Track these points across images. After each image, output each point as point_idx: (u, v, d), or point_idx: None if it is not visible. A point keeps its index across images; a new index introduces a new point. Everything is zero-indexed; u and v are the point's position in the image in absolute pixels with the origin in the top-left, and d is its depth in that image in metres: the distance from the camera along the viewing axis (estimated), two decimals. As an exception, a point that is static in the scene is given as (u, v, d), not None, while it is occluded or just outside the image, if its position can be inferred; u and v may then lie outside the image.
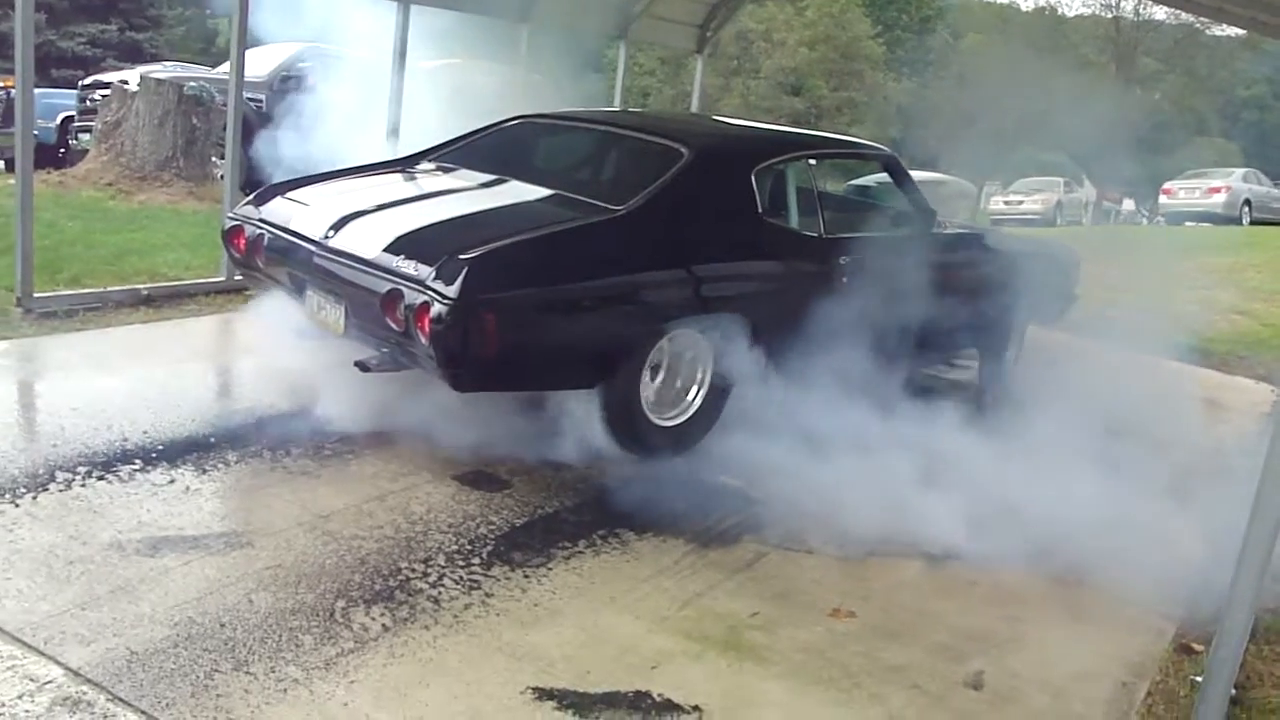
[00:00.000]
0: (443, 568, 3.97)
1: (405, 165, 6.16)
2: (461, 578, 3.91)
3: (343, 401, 5.15)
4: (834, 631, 3.86)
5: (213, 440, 4.84)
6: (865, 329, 5.36)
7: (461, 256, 4.46)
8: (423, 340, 4.40)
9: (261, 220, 5.42)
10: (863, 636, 3.85)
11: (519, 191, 5.45)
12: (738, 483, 5.01)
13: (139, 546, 3.84)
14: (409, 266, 4.55)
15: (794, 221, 5.97)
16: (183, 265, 7.93)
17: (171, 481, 4.41)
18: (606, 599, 3.89)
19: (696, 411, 5.35)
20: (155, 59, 19.99)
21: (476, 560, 4.06)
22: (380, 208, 5.16)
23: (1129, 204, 28.56)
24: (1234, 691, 3.48)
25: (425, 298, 4.39)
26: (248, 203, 5.64)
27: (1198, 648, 4.05)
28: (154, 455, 4.62)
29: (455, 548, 4.14)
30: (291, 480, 4.57)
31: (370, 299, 4.63)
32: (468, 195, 5.48)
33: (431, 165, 6.11)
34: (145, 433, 4.81)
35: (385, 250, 4.69)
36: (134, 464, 4.51)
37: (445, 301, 4.32)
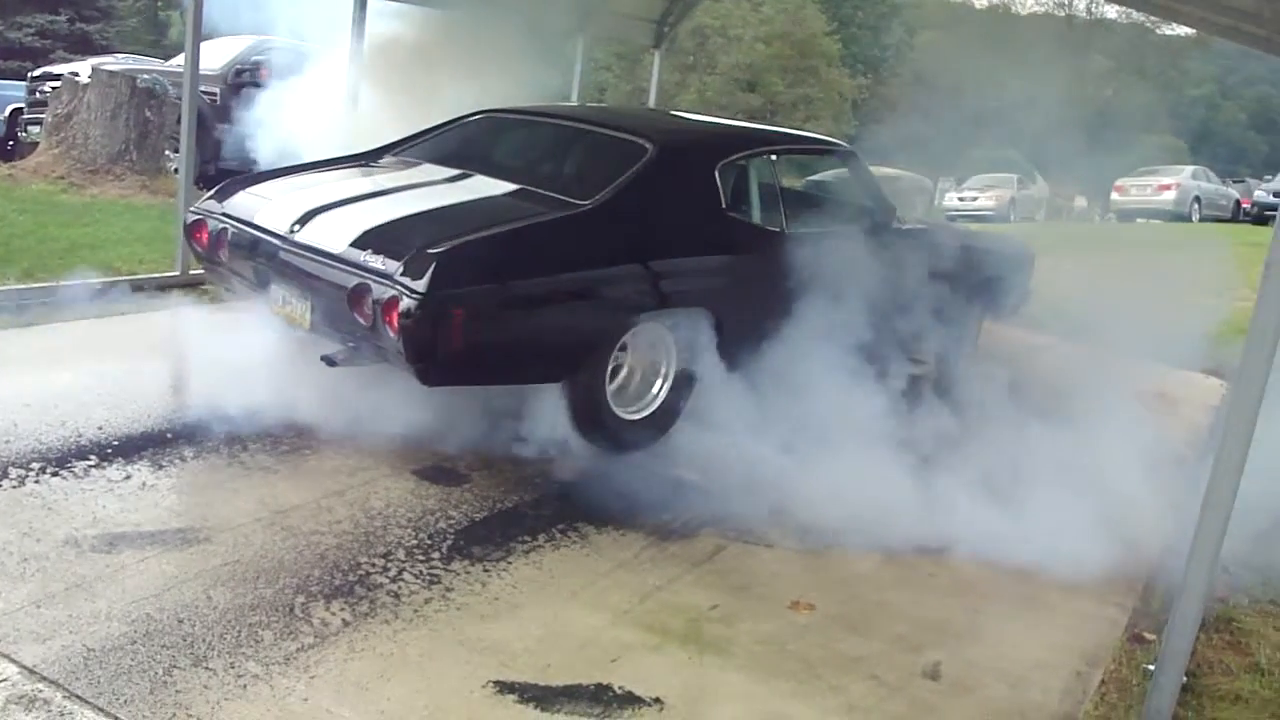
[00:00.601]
0: (402, 562, 3.96)
1: (369, 160, 6.14)
2: (421, 572, 3.91)
3: (301, 396, 5.11)
4: (794, 623, 3.90)
5: (169, 436, 4.80)
6: (826, 323, 5.43)
7: (429, 251, 4.48)
8: (390, 334, 4.40)
9: (225, 215, 5.39)
10: (822, 628, 3.89)
11: (484, 186, 5.45)
12: (696, 476, 5.03)
13: (95, 543, 3.80)
14: (376, 261, 4.55)
15: (756, 216, 6.03)
16: (136, 259, 7.84)
17: (127, 477, 4.37)
18: (567, 593, 3.90)
19: (661, 405, 5.39)
20: (106, 51, 19.74)
21: (436, 555, 4.06)
22: (346, 202, 5.14)
23: (1081, 201, 28.91)
24: (1185, 679, 3.56)
25: (393, 292, 4.40)
26: (210, 197, 5.60)
27: (1149, 637, 4.12)
28: (109, 451, 4.57)
29: (415, 542, 4.14)
30: (249, 476, 4.54)
31: (337, 293, 4.63)
32: (433, 190, 5.44)
33: (396, 160, 6.10)
34: (100, 428, 4.76)
35: (352, 244, 4.69)
36: (89, 460, 4.47)
37: (413, 296, 4.33)
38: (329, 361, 4.84)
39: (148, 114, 10.84)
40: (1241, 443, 2.94)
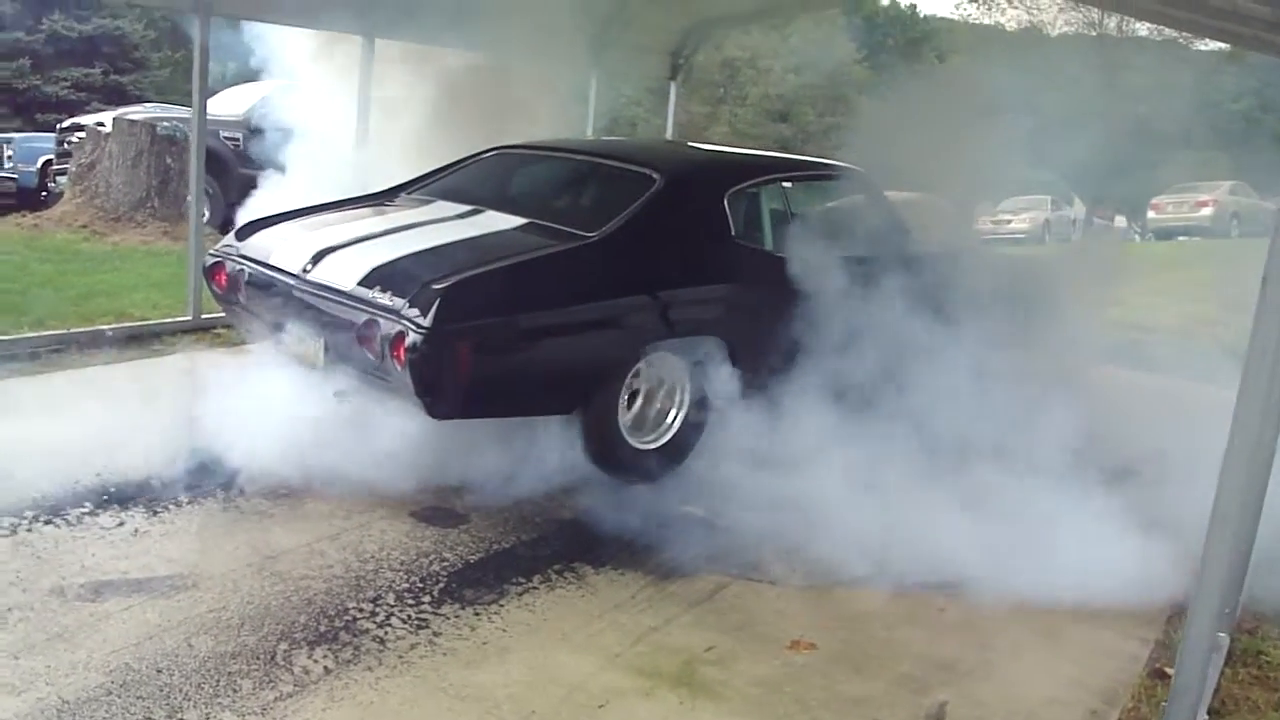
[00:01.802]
0: (391, 607, 3.87)
1: (384, 199, 6.18)
2: (410, 617, 3.82)
3: (302, 440, 5.03)
4: (792, 664, 3.75)
5: (166, 482, 4.74)
6: (842, 350, 5.34)
7: (435, 286, 4.51)
8: (398, 369, 4.45)
9: (242, 255, 5.49)
10: (823, 668, 3.75)
11: (494, 221, 5.47)
12: (702, 511, 4.91)
13: (81, 592, 3.75)
14: (384, 297, 4.62)
15: (768, 244, 5.99)
16: (150, 305, 7.87)
17: (120, 524, 4.32)
18: (558, 636, 3.79)
19: (676, 434, 5.35)
20: (140, 101, 19.99)
21: (427, 598, 3.97)
22: (357, 241, 5.20)
23: (1120, 220, 28.54)
24: (1207, 717, 3.39)
25: (400, 327, 4.45)
26: (229, 239, 5.69)
27: (1170, 671, 3.93)
28: (105, 498, 4.53)
29: (406, 586, 4.05)
30: (244, 520, 4.48)
31: (347, 330, 4.70)
32: (444, 226, 5.47)
33: (409, 198, 6.16)
34: (98, 475, 4.72)
35: (361, 282, 4.77)
36: (83, 507, 4.43)
37: (419, 330, 4.38)
38: (341, 397, 4.87)
39: (168, 161, 10.95)
40: (1245, 462, 2.79)
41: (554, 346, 4.85)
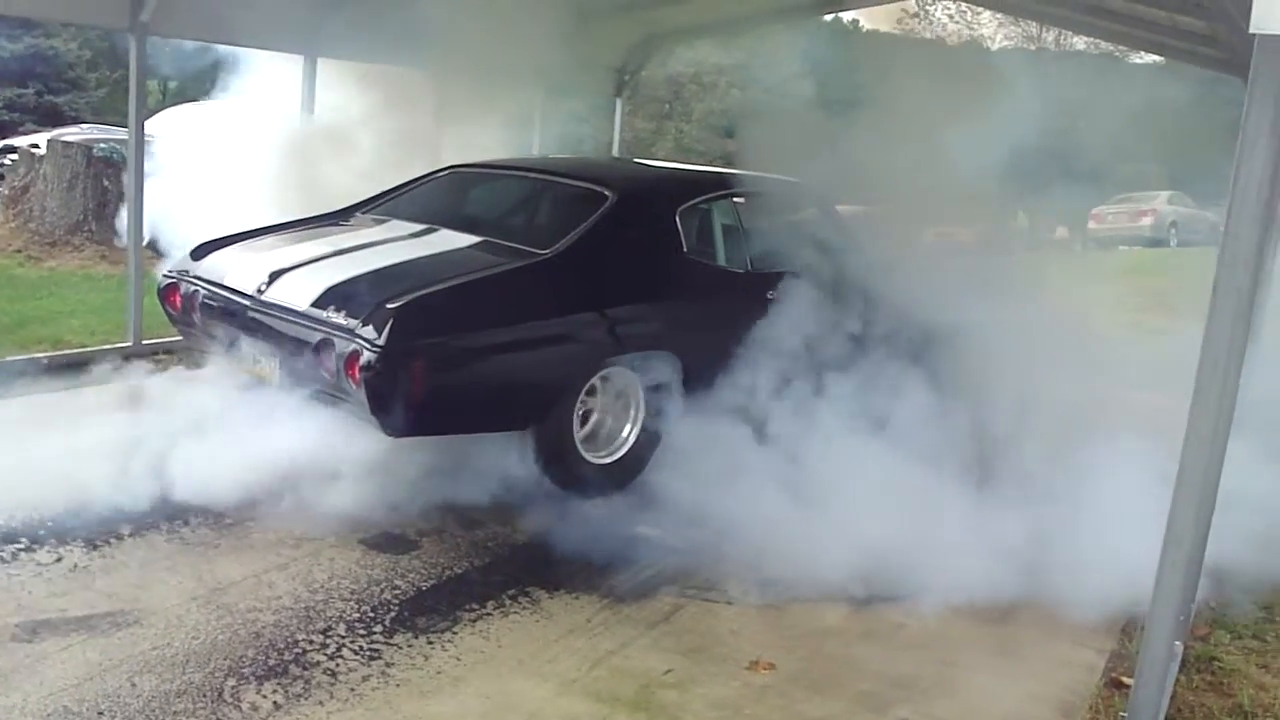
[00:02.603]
0: (342, 638, 3.78)
1: (338, 218, 6.18)
2: (361, 648, 3.73)
3: (248, 467, 4.93)
4: (752, 685, 3.71)
5: (107, 514, 4.60)
6: (794, 361, 5.41)
7: (388, 305, 4.55)
8: (354, 388, 4.48)
9: (196, 277, 5.49)
10: (782, 689, 3.70)
11: (448, 240, 5.48)
12: (655, 532, 4.86)
13: (16, 632, 3.62)
14: (338, 317, 4.65)
15: (720, 258, 6.03)
16: (88, 331, 7.69)
17: (58, 560, 4.19)
18: (514, 663, 3.72)
19: (630, 449, 5.36)
20: (76, 122, 19.62)
21: (379, 628, 3.88)
22: (311, 261, 5.21)
23: (1062, 231, 28.86)
24: (1162, 724, 3.39)
25: (355, 346, 4.48)
26: (183, 259, 5.69)
27: (1127, 681, 3.93)
28: (41, 533, 4.40)
29: (357, 616, 3.96)
30: (188, 552, 4.37)
31: (302, 349, 4.74)
32: (398, 245, 5.47)
33: (363, 217, 6.15)
34: (34, 509, 4.57)
35: (315, 302, 4.80)
36: (18, 543, 4.30)
37: (374, 349, 4.42)
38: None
39: (105, 183, 10.72)
40: (1200, 474, 2.80)
41: (508, 363, 4.85)
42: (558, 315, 5.04)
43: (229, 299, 5.22)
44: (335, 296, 4.77)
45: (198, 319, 5.47)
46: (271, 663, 3.58)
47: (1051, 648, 4.17)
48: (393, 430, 4.59)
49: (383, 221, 5.97)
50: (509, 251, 5.31)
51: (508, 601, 4.19)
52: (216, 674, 3.48)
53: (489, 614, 4.08)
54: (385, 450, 4.96)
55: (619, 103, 10.81)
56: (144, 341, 7.30)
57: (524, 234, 5.77)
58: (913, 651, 4.07)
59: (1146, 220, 26.42)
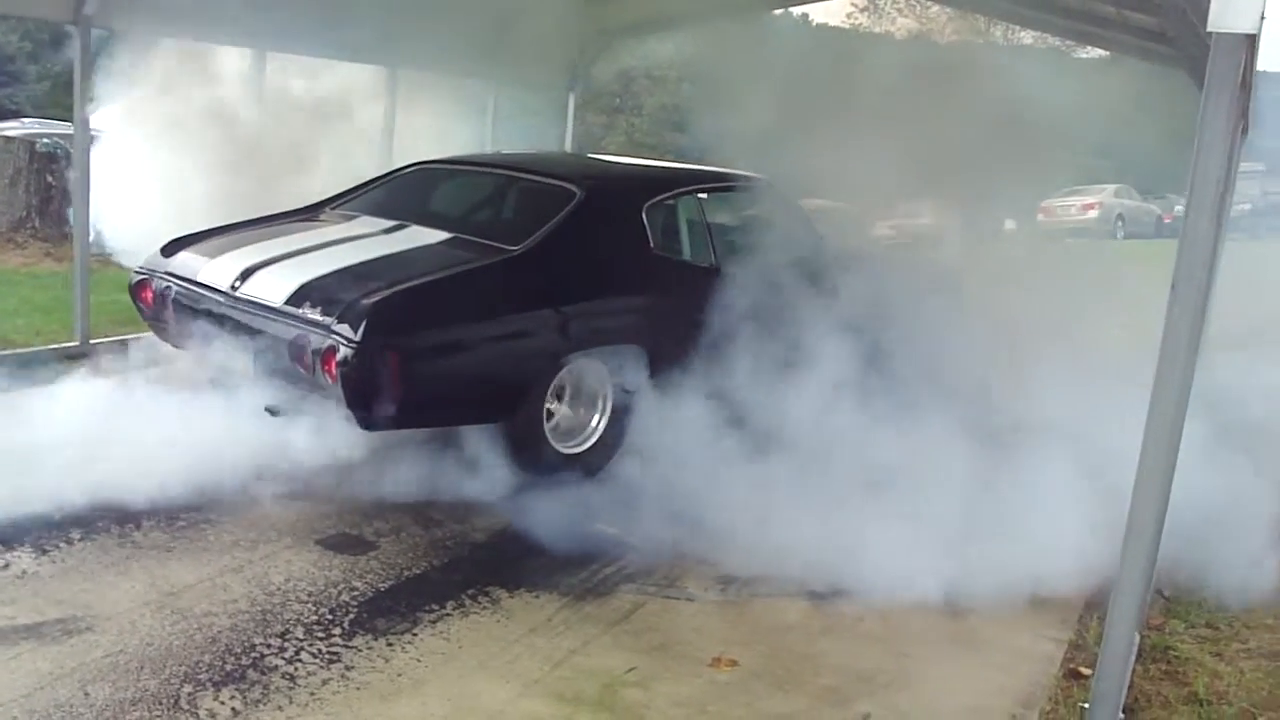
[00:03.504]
0: (301, 641, 3.73)
1: (308, 214, 6.22)
2: (320, 651, 3.68)
3: (201, 468, 4.85)
4: (715, 682, 3.71)
5: (56, 518, 4.51)
6: (759, 355, 5.46)
7: (364, 301, 4.65)
8: (329, 382, 4.55)
9: (168, 273, 5.54)
10: (745, 685, 3.70)
11: (419, 236, 5.56)
12: (614, 529, 4.85)
13: (-38, 641, 3.54)
14: (314, 313, 4.73)
15: (686, 253, 6.14)
16: (33, 330, 7.54)
17: (5, 566, 4.11)
18: (475, 664, 3.69)
19: (600, 438, 5.45)
20: (16, 116, 19.23)
21: (337, 631, 3.83)
22: (284, 257, 5.28)
23: (1010, 224, 29.12)
24: (1122, 715, 3.42)
25: (330, 342, 4.55)
26: (153, 256, 5.73)
27: (1085, 672, 3.97)
28: (-13, 538, 4.30)
29: (315, 618, 3.91)
30: (140, 556, 4.29)
31: (278, 345, 4.81)
32: (369, 241, 5.53)
33: (333, 213, 6.21)
34: (-21, 513, 4.47)
35: (290, 298, 4.87)
36: (-37, 550, 4.20)
37: (350, 345, 4.50)
38: (272, 412, 4.89)
39: (49, 179, 10.52)
40: (1161, 469, 2.82)
41: (481, 357, 4.96)
42: (528, 310, 5.11)
43: (202, 295, 5.26)
44: (309, 293, 4.83)
45: (170, 316, 5.49)
46: (228, 668, 3.52)
47: (1010, 639, 4.20)
48: (368, 424, 4.65)
49: (352, 218, 6.01)
50: (480, 248, 5.38)
51: (468, 601, 4.16)
52: (172, 680, 3.42)
53: (449, 614, 4.04)
54: (341, 449, 4.92)
55: (571, 98, 10.77)
56: (92, 341, 7.16)
57: (494, 230, 5.83)
58: (873, 645, 4.09)
59: (1093, 213, 26.76)
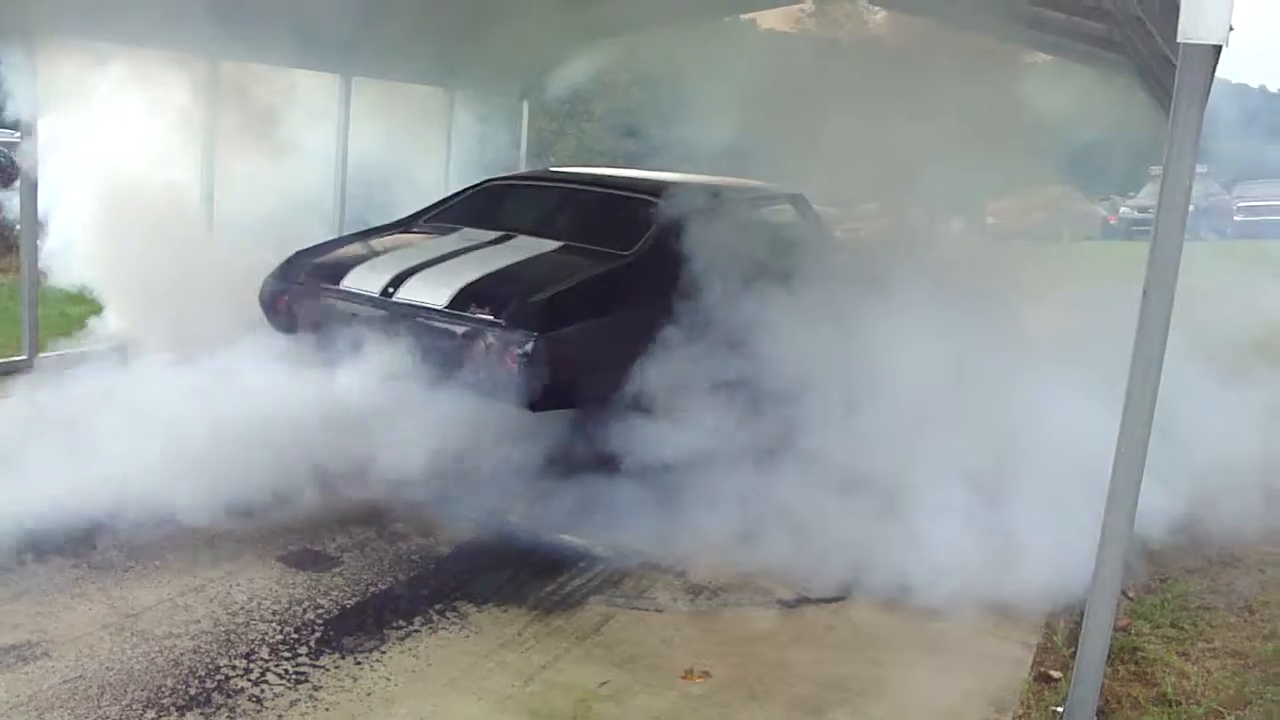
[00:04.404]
0: (266, 661, 3.66)
1: (404, 227, 6.96)
2: (287, 671, 3.61)
3: (159, 485, 4.74)
4: (688, 695, 3.68)
5: (7, 540, 4.38)
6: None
7: (530, 301, 5.32)
8: (504, 373, 5.11)
9: (305, 282, 6.04)
10: (718, 697, 3.68)
11: (533, 245, 6.22)
12: (580, 540, 4.82)
13: (-87, 670, 3.44)
14: (483, 313, 5.32)
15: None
16: (-22, 344, 7.37)
17: (-44, 591, 3.99)
18: (445, 681, 3.63)
19: None
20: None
21: (304, 650, 3.76)
22: (425, 265, 5.88)
23: (959, 226, 29.38)
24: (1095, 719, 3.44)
25: (507, 337, 5.15)
26: (282, 267, 6.24)
27: (1056, 675, 4.00)
28: (-65, 562, 4.18)
29: (280, 638, 3.84)
30: (97, 577, 4.19)
31: (446, 342, 5.36)
32: (490, 251, 6.15)
33: (431, 225, 6.88)
34: (-75, 537, 4.34)
35: (454, 300, 5.46)
36: (-90, 575, 4.08)
37: (529, 338, 5.10)
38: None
39: (-8, 189, 10.27)
40: (1133, 478, 2.84)
41: (616, 345, 5.46)
42: (644, 304, 5.66)
43: (351, 300, 5.80)
44: (473, 295, 5.44)
45: (307, 321, 5.99)
46: (192, 691, 3.45)
47: (980, 644, 4.22)
48: (536, 407, 5.21)
49: (453, 230, 6.63)
50: (596, 254, 6.02)
51: (436, 617, 4.10)
52: (134, 706, 3.34)
53: (417, 630, 3.99)
54: (296, 464, 4.84)
55: (525, 105, 10.75)
56: (40, 355, 7.00)
57: (601, 238, 6.30)
58: (844, 653, 4.09)
59: (1039, 215, 27.06)
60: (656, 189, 6.74)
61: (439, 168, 10.13)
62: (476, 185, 7.42)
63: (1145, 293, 2.68)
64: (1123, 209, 30.19)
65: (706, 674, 3.82)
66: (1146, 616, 4.50)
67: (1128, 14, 4.46)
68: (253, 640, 3.80)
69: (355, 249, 6.42)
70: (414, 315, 5.56)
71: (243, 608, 4.04)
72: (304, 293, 6.01)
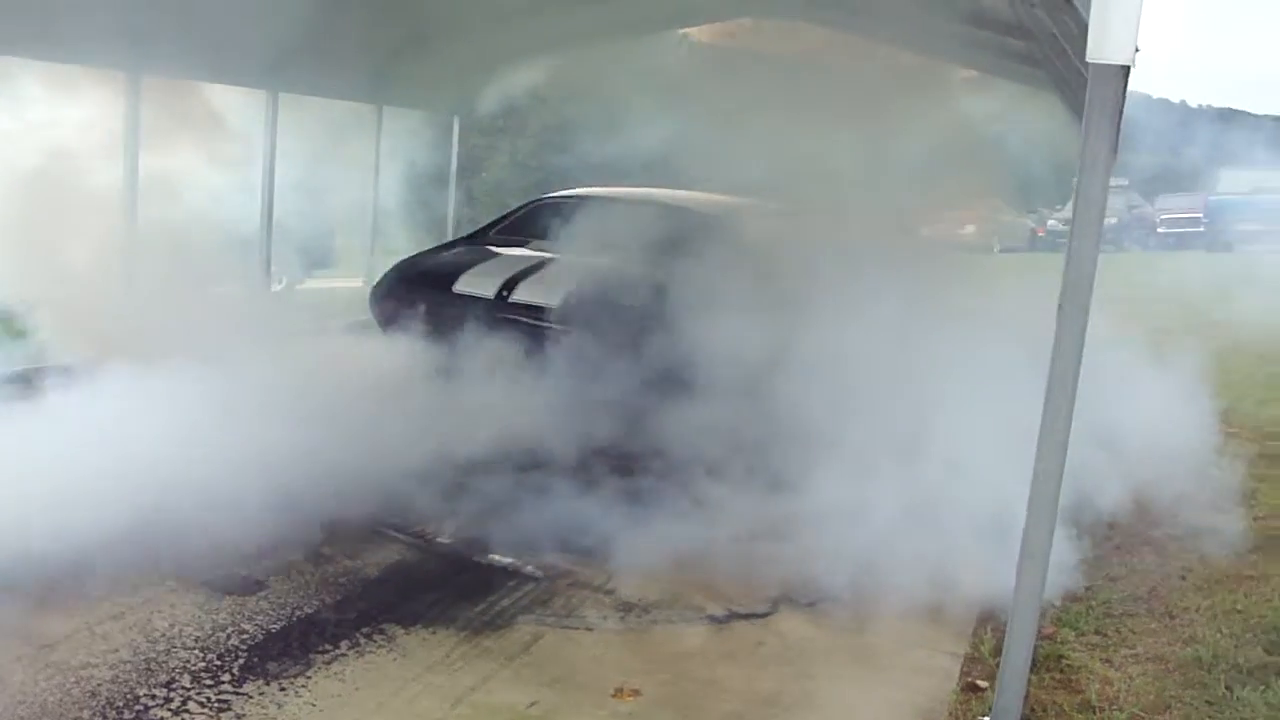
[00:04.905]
0: (187, 690, 3.59)
1: (483, 239, 8.29)
2: (209, 699, 3.54)
3: (73, 503, 4.60)
4: (618, 714, 3.67)
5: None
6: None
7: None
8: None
9: (414, 288, 7.43)
10: (649, 715, 3.67)
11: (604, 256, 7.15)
12: (509, 559, 4.79)
13: None
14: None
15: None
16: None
17: None
18: (373, 705, 3.58)
19: None
20: None
21: (227, 677, 3.69)
22: (525, 273, 7.21)
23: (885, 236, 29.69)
24: (1020, 727, 3.47)
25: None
26: (390, 275, 7.83)
27: (983, 684, 4.03)
28: None
29: (203, 665, 3.76)
30: (8, 606, 4.05)
31: (559, 336, 6.58)
32: (569, 262, 7.28)
33: (500, 238, 8.19)
34: None
35: (564, 301, 6.77)
36: None
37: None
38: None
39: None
40: (1051, 483, 2.88)
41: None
42: None
43: (469, 303, 7.04)
44: (577, 299, 6.71)
45: (418, 322, 7.07)
46: (110, 723, 3.37)
47: (908, 655, 4.25)
48: None
49: (523, 243, 7.90)
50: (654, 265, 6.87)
51: (362, 640, 4.05)
52: (49, 739, 3.26)
53: (343, 654, 3.93)
54: (231, 483, 4.75)
55: (456, 121, 10.73)
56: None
57: (653, 252, 7.01)
58: (774, 668, 4.09)
59: (970, 228, 27.45)
60: (700, 206, 7.82)
61: (367, 183, 10.09)
62: (530, 202, 8.70)
63: (1060, 307, 2.72)
64: (1050, 221, 30.72)
65: (636, 692, 3.80)
66: (1072, 624, 4.55)
67: (1045, 31, 4.53)
68: (174, 668, 3.72)
69: (452, 260, 7.73)
70: (529, 314, 6.83)
71: (164, 635, 3.95)
72: (414, 297, 7.25)
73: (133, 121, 7.76)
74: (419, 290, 7.36)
